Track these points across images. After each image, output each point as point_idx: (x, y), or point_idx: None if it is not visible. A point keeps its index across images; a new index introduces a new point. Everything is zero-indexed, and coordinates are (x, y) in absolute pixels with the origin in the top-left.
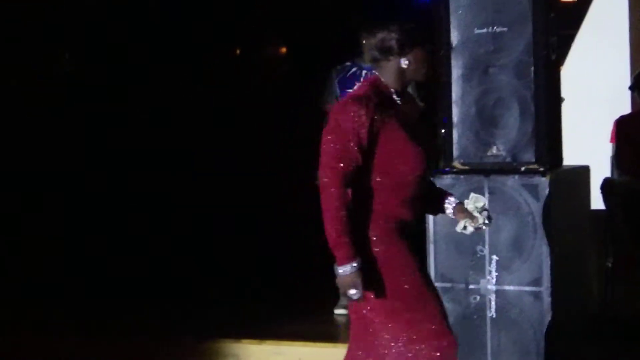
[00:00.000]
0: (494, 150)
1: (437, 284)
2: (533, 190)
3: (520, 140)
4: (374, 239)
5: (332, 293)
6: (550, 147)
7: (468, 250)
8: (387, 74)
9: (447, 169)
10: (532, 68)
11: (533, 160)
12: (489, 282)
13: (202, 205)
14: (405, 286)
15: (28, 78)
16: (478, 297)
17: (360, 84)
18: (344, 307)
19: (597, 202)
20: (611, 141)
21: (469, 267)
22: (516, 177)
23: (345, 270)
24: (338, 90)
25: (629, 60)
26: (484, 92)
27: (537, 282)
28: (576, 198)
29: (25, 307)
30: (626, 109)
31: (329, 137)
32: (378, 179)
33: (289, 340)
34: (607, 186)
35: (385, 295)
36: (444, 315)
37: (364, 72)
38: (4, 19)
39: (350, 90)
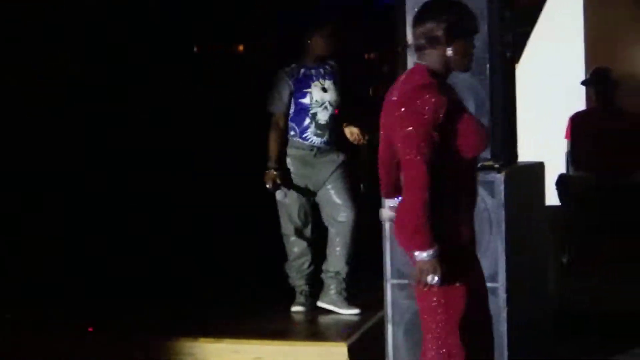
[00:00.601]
0: None
1: (393, 281)
2: (488, 186)
3: None
4: (450, 223)
5: (289, 290)
6: (505, 143)
7: None
8: (432, 63)
9: None
10: (488, 65)
11: (488, 157)
12: None
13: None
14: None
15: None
16: None
17: (409, 74)
18: (301, 305)
19: (551, 198)
20: (566, 137)
21: None
22: None
23: (427, 254)
24: (293, 89)
25: (583, 57)
26: None
27: (492, 278)
28: (531, 194)
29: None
30: (581, 105)
31: (408, 125)
32: (455, 162)
33: (247, 338)
34: (562, 182)
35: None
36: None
37: (312, 71)
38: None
39: (308, 90)
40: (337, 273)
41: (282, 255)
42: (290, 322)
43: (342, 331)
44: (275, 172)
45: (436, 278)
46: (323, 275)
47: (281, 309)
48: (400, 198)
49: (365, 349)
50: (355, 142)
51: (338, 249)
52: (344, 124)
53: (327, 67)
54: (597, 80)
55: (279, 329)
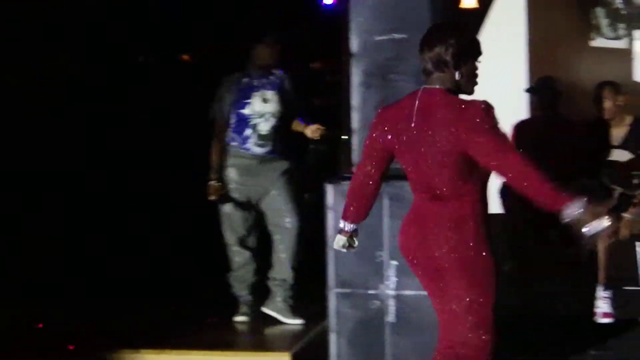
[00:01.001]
0: None
1: (337, 290)
2: None
3: None
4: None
5: (231, 300)
6: None
7: (368, 256)
8: (442, 85)
9: (347, 174)
10: None
11: None
12: (388, 287)
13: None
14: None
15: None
16: (377, 302)
17: (427, 97)
18: (244, 315)
19: (495, 206)
20: None
21: (369, 273)
22: None
23: (583, 201)
24: (234, 99)
25: (526, 66)
26: (383, 98)
27: None
28: None
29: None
30: (524, 114)
31: (496, 129)
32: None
33: (189, 349)
34: (505, 191)
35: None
36: None
37: (255, 81)
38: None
39: (249, 101)
40: (284, 280)
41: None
42: (234, 333)
43: (285, 341)
44: (218, 184)
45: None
46: (269, 283)
47: (225, 319)
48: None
49: (309, 359)
50: (318, 136)
51: (283, 255)
52: (297, 127)
53: (272, 77)
54: (542, 88)
55: (222, 339)
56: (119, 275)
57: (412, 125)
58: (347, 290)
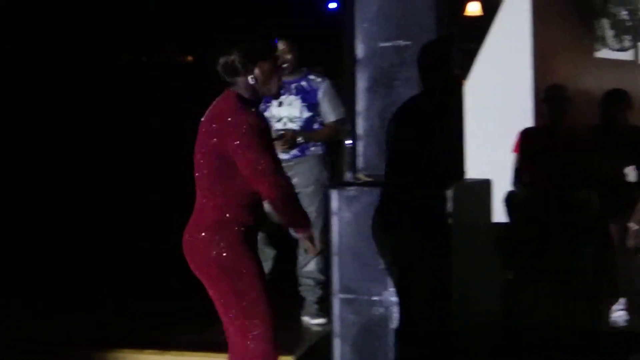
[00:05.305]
0: None
1: (340, 296)
2: None
3: None
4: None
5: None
6: (449, 160)
7: (371, 262)
8: (240, 90)
9: (351, 180)
10: None
11: None
12: (392, 294)
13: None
14: None
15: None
16: (381, 309)
17: (220, 100)
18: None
19: (500, 215)
20: (515, 151)
21: (372, 279)
22: None
23: None
24: None
25: (531, 73)
26: (388, 104)
27: None
28: (477, 211)
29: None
30: (528, 122)
31: (256, 145)
32: None
33: (189, 350)
34: (508, 199)
35: None
36: None
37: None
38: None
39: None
40: (313, 281)
41: None
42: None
43: (289, 345)
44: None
45: None
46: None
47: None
48: None
49: None
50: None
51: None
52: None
53: (304, 82)
54: (554, 97)
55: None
56: (116, 274)
57: (201, 127)
58: (351, 296)
